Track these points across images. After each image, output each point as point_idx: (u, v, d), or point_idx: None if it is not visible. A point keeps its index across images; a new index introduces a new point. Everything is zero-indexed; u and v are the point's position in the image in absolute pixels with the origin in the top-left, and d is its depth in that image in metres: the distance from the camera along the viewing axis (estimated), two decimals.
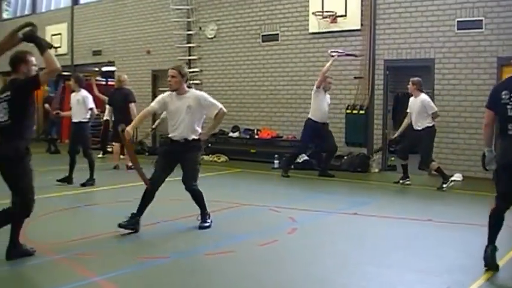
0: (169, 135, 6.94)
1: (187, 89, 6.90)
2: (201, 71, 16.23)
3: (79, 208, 8.20)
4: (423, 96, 10.26)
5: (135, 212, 6.68)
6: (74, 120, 10.67)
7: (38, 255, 5.65)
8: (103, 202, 8.96)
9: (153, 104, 6.98)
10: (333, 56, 11.81)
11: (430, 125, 10.25)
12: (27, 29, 5.40)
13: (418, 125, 10.28)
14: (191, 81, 15.08)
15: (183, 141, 6.85)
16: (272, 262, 5.60)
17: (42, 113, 18.58)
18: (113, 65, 19.22)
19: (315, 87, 11.61)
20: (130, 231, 6.59)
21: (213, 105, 6.94)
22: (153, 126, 15.21)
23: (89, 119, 10.75)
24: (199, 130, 6.94)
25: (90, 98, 10.72)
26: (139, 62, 17.96)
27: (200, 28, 16.34)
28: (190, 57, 16.44)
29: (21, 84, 5.43)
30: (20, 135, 5.46)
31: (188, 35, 16.60)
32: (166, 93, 6.94)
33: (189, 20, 16.49)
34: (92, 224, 7.31)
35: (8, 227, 5.48)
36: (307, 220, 7.64)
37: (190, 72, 15.65)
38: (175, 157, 6.87)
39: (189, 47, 16.55)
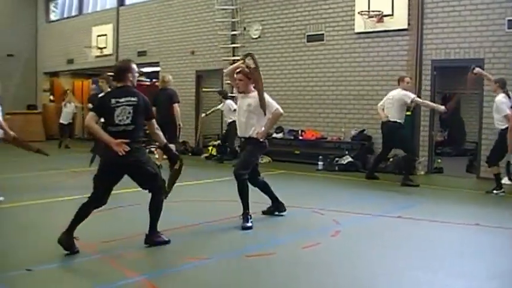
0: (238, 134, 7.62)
1: (253, 89, 7.31)
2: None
3: (123, 208, 8.36)
4: (498, 97, 9.89)
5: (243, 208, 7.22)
6: None
7: (83, 253, 5.83)
8: (147, 202, 9.10)
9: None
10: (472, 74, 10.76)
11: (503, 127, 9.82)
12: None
13: (500, 125, 9.86)
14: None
15: (244, 139, 7.45)
16: (315, 265, 5.61)
17: (88, 112, 18.86)
18: (158, 66, 19.43)
19: (409, 100, 10.83)
20: (179, 230, 6.84)
21: (270, 105, 7.29)
22: (207, 113, 15.54)
23: None
24: (258, 128, 7.31)
25: None
26: (184, 62, 18.23)
27: (244, 28, 16.51)
28: (234, 58, 16.57)
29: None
30: (140, 138, 6.09)
31: (232, 35, 16.83)
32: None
33: (233, 20, 16.70)
34: (136, 223, 7.35)
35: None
36: (351, 223, 7.69)
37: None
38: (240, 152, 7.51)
39: (233, 48, 16.73)
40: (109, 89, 11.02)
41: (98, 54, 21.51)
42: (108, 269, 5.48)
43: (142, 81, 22.89)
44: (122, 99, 5.93)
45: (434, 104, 11.45)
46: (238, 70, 7.44)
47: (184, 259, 5.85)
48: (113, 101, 5.94)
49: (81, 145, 19.61)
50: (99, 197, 6.00)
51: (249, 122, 7.32)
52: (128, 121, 5.91)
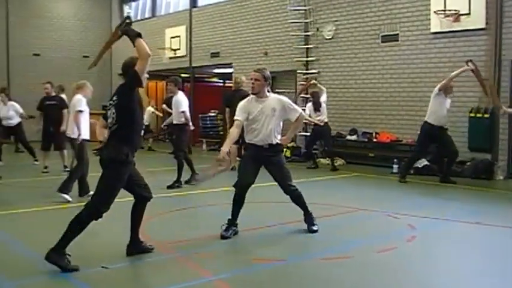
0: (251, 141, 7.15)
1: (267, 93, 7.12)
2: (319, 72, 16.59)
3: (197, 208, 8.70)
4: None
5: (230, 217, 7.04)
6: (173, 122, 11.46)
7: (156, 252, 6.13)
8: (220, 203, 9.39)
9: (238, 117, 7.09)
10: (468, 66, 11.47)
11: None
12: (125, 23, 5.83)
13: None
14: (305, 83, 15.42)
15: (267, 146, 7.07)
16: (391, 270, 5.71)
17: (162, 113, 19.59)
18: (231, 67, 19.82)
19: (436, 89, 11.67)
20: (247, 230, 7.02)
21: (294, 109, 7.18)
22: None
23: (184, 122, 11.27)
24: (279, 135, 7.17)
25: (183, 101, 11.41)
26: (257, 63, 18.63)
27: (318, 29, 16.84)
28: (307, 59, 16.89)
29: (124, 85, 5.79)
30: (126, 140, 5.79)
31: (306, 36, 17.20)
32: (244, 101, 7.21)
33: (306, 21, 17.03)
34: (209, 224, 7.67)
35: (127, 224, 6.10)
36: (427, 228, 7.73)
37: (308, 73, 16.04)
38: (260, 162, 7.13)
39: (307, 48, 17.00)
40: (177, 92, 11.48)
41: (172, 55, 22.12)
42: (182, 268, 5.76)
43: (214, 82, 23.36)
44: (111, 101, 5.91)
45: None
46: (255, 70, 7.25)
47: (259, 260, 6.02)
48: (108, 103, 5.98)
49: (158, 146, 20.33)
50: (134, 197, 6.21)
51: (274, 128, 7.05)
52: (113, 121, 5.83)
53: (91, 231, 7.28)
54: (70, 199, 9.33)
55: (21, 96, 17.46)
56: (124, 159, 5.70)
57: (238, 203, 7.06)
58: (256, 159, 7.12)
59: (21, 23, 24.37)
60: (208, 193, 10.62)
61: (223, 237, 6.81)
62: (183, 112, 11.31)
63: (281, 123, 7.18)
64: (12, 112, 14.79)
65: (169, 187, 10.78)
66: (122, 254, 6.06)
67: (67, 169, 12.36)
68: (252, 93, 7.12)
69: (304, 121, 7.27)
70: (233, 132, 7.01)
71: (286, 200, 7.46)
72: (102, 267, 5.60)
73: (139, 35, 5.54)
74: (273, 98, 7.11)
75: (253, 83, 7.02)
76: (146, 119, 20.25)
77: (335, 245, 6.78)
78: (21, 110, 14.95)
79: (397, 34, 14.83)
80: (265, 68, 7.38)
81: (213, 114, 21.67)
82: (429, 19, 14.01)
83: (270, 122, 6.97)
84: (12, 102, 15.15)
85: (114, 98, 5.84)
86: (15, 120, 14.87)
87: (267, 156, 7.08)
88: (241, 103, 7.18)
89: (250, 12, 19.21)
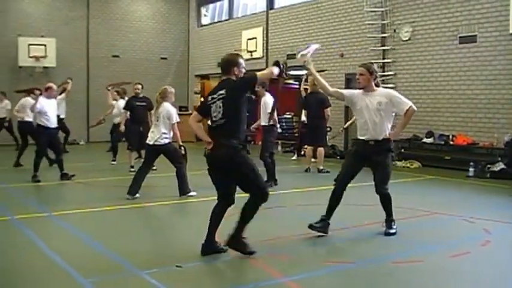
0: (360, 137, 7.34)
1: (375, 87, 7.27)
2: (395, 74, 16.87)
3: (270, 209, 8.94)
4: None
5: (324, 214, 7.26)
6: (261, 124, 12.06)
7: (229, 253, 6.40)
8: (293, 204, 9.83)
9: (342, 91, 7.57)
10: None
11: None
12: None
13: None
14: (385, 85, 15.68)
15: (373, 142, 7.19)
16: (463, 275, 5.81)
17: None
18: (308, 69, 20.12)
19: None
20: (320, 233, 7.18)
21: (403, 102, 7.21)
22: (345, 126, 16.01)
23: (272, 123, 11.91)
24: (389, 129, 7.25)
25: (270, 103, 12.04)
26: (333, 65, 19.02)
27: (395, 30, 17.18)
28: (384, 60, 17.22)
29: (241, 81, 6.23)
30: (234, 135, 6.15)
31: (382, 37, 17.62)
32: (356, 91, 7.43)
33: (383, 22, 17.40)
34: (282, 225, 8.01)
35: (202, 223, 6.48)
36: (502, 233, 7.79)
37: (384, 75, 16.29)
38: (364, 159, 7.30)
39: (383, 50, 17.31)
40: (265, 93, 12.02)
41: (248, 57, 22.70)
42: (255, 268, 6.04)
43: (290, 84, 23.76)
44: (215, 95, 6.20)
45: None
46: (360, 65, 7.45)
47: (331, 263, 6.26)
48: (209, 98, 6.26)
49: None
50: (219, 197, 6.44)
51: (382, 123, 7.14)
52: (220, 115, 6.13)
53: (167, 230, 7.84)
54: (195, 193, 10.28)
55: (100, 97, 18.37)
56: (241, 149, 6.14)
57: (331, 201, 7.32)
58: (360, 155, 7.33)
59: (101, 25, 25.76)
60: (289, 193, 11.01)
61: (310, 227, 7.12)
62: (270, 114, 11.80)
63: (391, 118, 7.27)
64: (117, 111, 15.60)
65: None
66: (196, 253, 6.35)
67: (133, 169, 13.21)
68: (359, 88, 7.28)
69: None
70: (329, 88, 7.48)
71: (364, 202, 7.60)
72: (177, 266, 5.93)
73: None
74: (380, 92, 7.24)
75: (358, 78, 7.25)
76: None
77: (408, 249, 6.88)
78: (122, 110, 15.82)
79: (475, 35, 15.04)
80: (371, 62, 7.58)
81: (288, 116, 22.16)
82: (508, 20, 14.16)
83: (376, 116, 7.10)
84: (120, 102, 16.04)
85: (222, 92, 6.15)
86: (115, 120, 15.74)
87: (372, 154, 7.21)
88: (355, 90, 7.45)
89: (326, 13, 19.73)
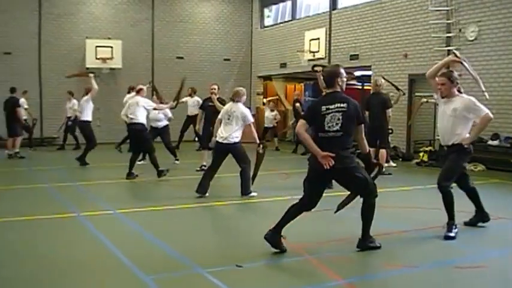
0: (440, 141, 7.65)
1: (457, 93, 7.47)
2: (460, 75, 16.36)
3: (330, 211, 8.94)
4: None
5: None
6: None
7: (289, 254, 6.55)
8: (353, 206, 9.72)
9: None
10: None
11: None
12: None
13: None
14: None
15: (446, 146, 7.46)
16: None
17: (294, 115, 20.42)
18: (370, 69, 20.11)
19: None
20: (381, 235, 7.18)
21: (479, 109, 7.39)
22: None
23: None
24: (464, 135, 7.37)
25: None
26: (396, 66, 18.91)
27: (460, 30, 16.96)
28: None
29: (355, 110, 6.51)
30: (349, 145, 6.53)
31: (447, 37, 17.38)
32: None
33: (448, 21, 17.20)
34: (342, 226, 8.03)
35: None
36: None
37: None
38: (443, 161, 7.56)
39: (448, 50, 17.00)
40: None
41: (311, 58, 22.74)
42: (313, 270, 6.14)
43: (353, 85, 23.70)
44: (332, 106, 6.42)
45: None
46: (440, 73, 7.63)
47: (391, 266, 6.32)
48: (323, 108, 6.45)
49: (290, 147, 20.94)
50: (307, 201, 6.66)
51: (454, 129, 7.33)
52: (337, 128, 6.37)
53: (229, 229, 7.96)
54: (256, 194, 10.49)
55: (165, 98, 18.63)
56: (356, 163, 6.55)
57: (452, 199, 7.51)
58: (442, 158, 7.63)
59: (166, 27, 26.24)
60: (342, 196, 10.92)
61: (447, 237, 7.29)
62: None
63: (468, 124, 7.44)
64: (161, 115, 15.94)
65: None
66: (256, 253, 6.55)
67: (204, 168, 13.34)
68: (442, 97, 7.51)
69: None
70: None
71: (425, 205, 7.56)
72: (237, 265, 6.09)
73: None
74: (458, 98, 7.42)
75: (440, 88, 7.45)
76: (268, 121, 21.20)
77: (471, 254, 6.89)
78: (170, 114, 16.07)
79: None
80: (452, 70, 7.79)
81: None
82: None
83: (449, 122, 7.32)
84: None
85: (343, 105, 6.43)
86: (163, 123, 16.01)
87: (446, 155, 7.48)
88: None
89: (389, 13, 19.59)
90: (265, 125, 21.59)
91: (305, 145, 7.20)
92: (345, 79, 6.67)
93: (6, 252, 6.91)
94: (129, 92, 18.15)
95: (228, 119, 10.61)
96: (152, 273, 5.87)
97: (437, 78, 7.51)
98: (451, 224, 7.46)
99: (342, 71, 6.67)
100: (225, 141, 10.49)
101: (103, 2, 25.09)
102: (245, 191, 10.60)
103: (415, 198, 8.80)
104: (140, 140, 13.27)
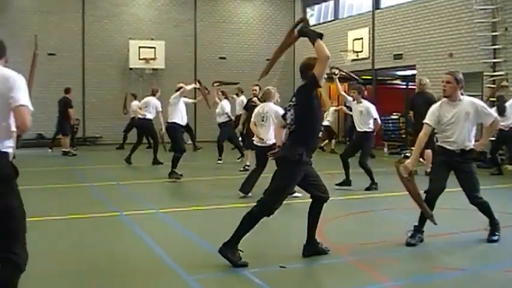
0: (443, 145, 7.17)
1: (461, 96, 7.12)
2: (507, 74, 16.27)
3: (375, 212, 9.11)
4: None
5: (417, 224, 7.09)
6: (359, 129, 11.86)
7: (333, 255, 6.48)
8: (399, 207, 9.67)
9: (427, 121, 7.22)
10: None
11: None
12: (300, 25, 6.21)
13: None
14: (494, 85, 15.30)
15: (459, 151, 7.05)
16: None
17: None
18: (414, 69, 19.94)
19: None
20: (428, 236, 7.10)
21: (489, 113, 7.15)
22: None
23: (373, 129, 11.86)
24: (473, 140, 7.14)
25: (373, 107, 12.00)
26: (441, 65, 18.71)
27: (506, 29, 16.85)
28: (494, 60, 16.83)
29: (303, 86, 6.23)
30: (302, 141, 6.17)
31: (493, 36, 17.13)
32: (436, 104, 7.30)
33: (494, 20, 17.06)
34: (386, 228, 8.00)
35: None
36: None
37: (495, 76, 15.86)
38: (450, 167, 7.13)
39: (494, 49, 16.83)
40: (361, 100, 11.93)
41: (354, 58, 22.63)
42: (358, 272, 6.09)
43: (397, 84, 23.52)
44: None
45: None
46: (447, 72, 7.34)
47: (437, 268, 6.24)
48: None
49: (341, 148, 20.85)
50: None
51: (467, 133, 7.02)
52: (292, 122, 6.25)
53: (271, 231, 7.97)
54: (300, 194, 10.08)
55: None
56: (297, 159, 6.04)
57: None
58: (447, 164, 7.12)
59: (208, 28, 26.50)
60: (395, 196, 10.79)
61: (409, 244, 6.90)
62: (375, 119, 11.76)
63: (474, 128, 7.14)
64: (220, 110, 16.20)
65: (367, 189, 11.32)
66: (299, 254, 6.47)
67: (247, 168, 13.39)
68: (444, 96, 7.19)
69: None
70: (421, 138, 7.15)
71: (470, 207, 7.43)
72: (280, 266, 6.04)
73: (320, 36, 5.85)
74: (466, 101, 7.08)
75: (444, 86, 7.11)
76: (330, 119, 21.03)
77: None
78: (227, 110, 16.27)
79: None
80: (458, 71, 7.44)
81: (395, 117, 21.93)
82: None
83: (464, 127, 6.98)
84: (223, 102, 16.60)
85: (293, 99, 6.28)
86: (222, 118, 16.31)
87: (458, 162, 7.06)
88: (433, 107, 7.31)
89: (433, 12, 19.42)
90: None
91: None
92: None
93: (50, 250, 7.07)
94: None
95: (262, 120, 10.63)
96: (195, 273, 5.91)
97: (444, 76, 7.26)
98: (493, 227, 7.27)
99: None
100: (263, 144, 10.50)
101: (146, 4, 25.46)
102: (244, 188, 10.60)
103: (461, 200, 8.60)
104: (171, 138, 13.54)
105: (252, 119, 10.95)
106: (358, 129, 11.96)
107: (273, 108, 10.60)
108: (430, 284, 5.77)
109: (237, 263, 6.04)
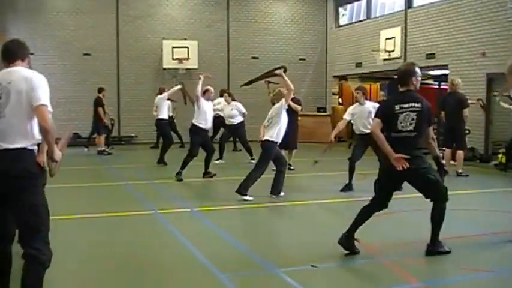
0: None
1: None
2: None
3: (406, 212, 9.05)
4: None
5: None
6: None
7: (363, 255, 6.56)
8: (428, 208, 9.65)
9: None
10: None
11: None
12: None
13: None
14: None
15: None
16: None
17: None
18: (446, 69, 19.82)
19: None
20: (457, 238, 7.13)
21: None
22: None
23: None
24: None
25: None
26: (474, 64, 18.61)
27: None
28: None
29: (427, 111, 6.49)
30: (421, 145, 6.52)
31: None
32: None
33: None
34: (419, 229, 7.78)
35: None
36: None
37: None
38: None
39: None
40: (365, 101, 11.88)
41: (386, 57, 22.58)
42: (388, 272, 6.15)
43: (429, 84, 23.40)
44: (406, 105, 6.38)
45: None
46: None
47: (466, 270, 6.24)
48: (397, 107, 6.40)
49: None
50: (379, 202, 6.63)
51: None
52: (411, 127, 6.34)
53: (305, 229, 8.05)
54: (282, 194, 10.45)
55: (240, 98, 18.86)
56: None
57: None
58: None
59: (241, 28, 26.70)
60: (416, 198, 10.83)
61: None
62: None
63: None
64: (235, 111, 16.23)
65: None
66: (332, 254, 6.58)
67: (292, 168, 13.53)
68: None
69: None
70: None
71: (503, 208, 7.42)
72: (312, 266, 6.13)
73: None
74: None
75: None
76: None
77: None
78: (243, 110, 16.36)
79: None
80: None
81: None
82: None
83: None
84: (236, 102, 16.63)
85: (417, 106, 6.41)
86: (237, 119, 16.29)
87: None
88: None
89: (466, 11, 19.29)
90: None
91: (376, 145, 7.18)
92: (419, 78, 6.58)
93: (85, 248, 7.30)
94: (221, 96, 18.28)
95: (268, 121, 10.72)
96: (227, 271, 6.00)
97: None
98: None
99: (417, 70, 6.61)
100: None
101: (179, 4, 25.71)
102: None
103: (492, 201, 8.63)
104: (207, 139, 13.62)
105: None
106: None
107: (276, 108, 10.64)
108: (459, 285, 5.81)
109: (354, 250, 6.48)
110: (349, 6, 27.34)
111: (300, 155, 15.02)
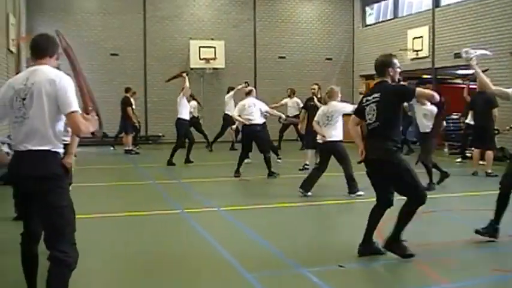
0: None
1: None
2: None
3: (435, 213, 8.88)
4: None
5: (493, 218, 6.99)
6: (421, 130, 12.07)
7: (391, 255, 6.43)
8: (459, 208, 9.68)
9: (508, 90, 7.30)
10: None
11: None
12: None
13: None
14: None
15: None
16: None
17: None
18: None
19: None
20: (487, 239, 6.99)
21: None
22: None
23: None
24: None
25: (434, 111, 12.04)
26: (502, 63, 18.34)
27: None
28: None
29: (395, 92, 6.32)
30: (388, 136, 6.25)
31: None
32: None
33: None
34: (446, 229, 7.99)
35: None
36: None
37: None
38: None
39: None
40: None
41: (414, 56, 22.44)
42: (417, 272, 6.09)
43: (458, 83, 23.18)
44: (370, 97, 6.36)
45: None
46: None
47: (498, 271, 6.15)
48: (364, 99, 6.47)
49: None
50: (377, 200, 6.51)
51: None
52: (374, 119, 6.26)
53: (333, 228, 8.01)
54: (363, 193, 10.24)
55: (267, 97, 18.86)
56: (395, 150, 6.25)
57: (499, 204, 6.98)
58: None
59: (267, 27, 26.67)
60: (455, 197, 10.92)
61: (477, 232, 6.89)
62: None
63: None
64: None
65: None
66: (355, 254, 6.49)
67: (307, 167, 13.46)
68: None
69: None
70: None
71: None
72: (339, 266, 6.09)
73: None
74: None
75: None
76: None
77: None
78: (266, 108, 16.32)
79: None
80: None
81: (455, 116, 21.62)
82: None
83: None
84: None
85: (376, 96, 6.31)
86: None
87: None
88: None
89: (495, 10, 19.12)
90: None
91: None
92: (398, 70, 6.43)
93: (110, 247, 7.35)
94: (228, 92, 18.79)
95: (328, 119, 10.70)
96: (254, 271, 5.98)
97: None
98: None
99: (395, 61, 6.50)
100: (333, 140, 10.61)
101: (206, 4, 25.79)
102: (351, 190, 10.60)
103: None
104: (258, 140, 13.47)
105: (316, 119, 11.03)
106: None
107: (336, 108, 10.70)
108: (490, 286, 5.75)
109: (404, 253, 6.26)
110: (376, 5, 27.21)
111: None
